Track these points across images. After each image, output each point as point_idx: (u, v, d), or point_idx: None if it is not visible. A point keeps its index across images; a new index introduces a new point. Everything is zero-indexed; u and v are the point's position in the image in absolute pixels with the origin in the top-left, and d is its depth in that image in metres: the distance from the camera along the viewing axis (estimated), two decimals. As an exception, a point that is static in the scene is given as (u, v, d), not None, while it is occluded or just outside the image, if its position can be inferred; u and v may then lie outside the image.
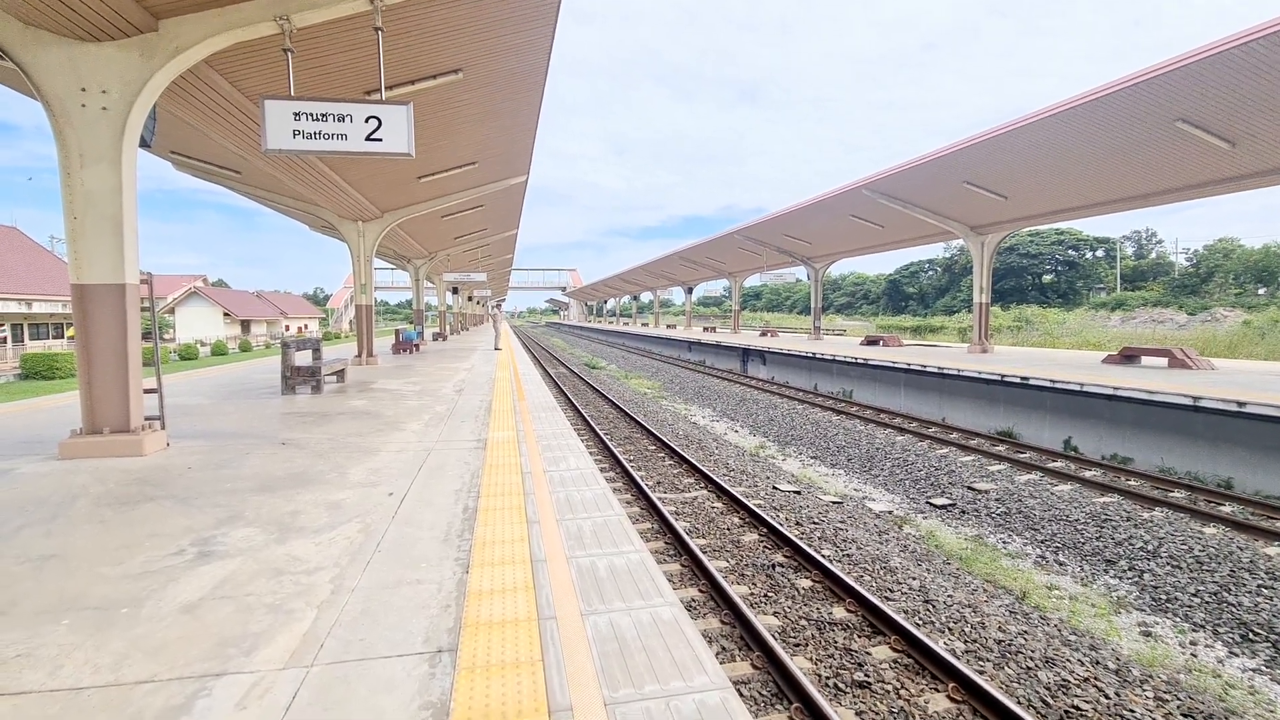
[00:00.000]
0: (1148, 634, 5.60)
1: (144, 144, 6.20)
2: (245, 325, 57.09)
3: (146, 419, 6.13)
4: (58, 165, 5.69)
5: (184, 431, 6.99)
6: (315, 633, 2.63)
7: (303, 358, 11.03)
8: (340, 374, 11.98)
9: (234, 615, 2.78)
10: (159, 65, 5.80)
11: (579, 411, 15.05)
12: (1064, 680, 4.50)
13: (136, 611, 2.82)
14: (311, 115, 5.84)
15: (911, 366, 15.86)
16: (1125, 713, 4.18)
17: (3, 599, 2.94)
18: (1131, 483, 9.42)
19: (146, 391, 6.18)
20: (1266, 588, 6.08)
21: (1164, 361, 14.14)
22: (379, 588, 3.07)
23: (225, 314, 54.37)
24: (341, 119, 5.90)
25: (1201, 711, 4.28)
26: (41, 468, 5.41)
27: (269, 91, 7.74)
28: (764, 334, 34.34)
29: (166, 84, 6.02)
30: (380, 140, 5.97)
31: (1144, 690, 4.50)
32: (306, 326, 69.62)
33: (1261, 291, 43.09)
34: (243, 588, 3.06)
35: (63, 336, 32.99)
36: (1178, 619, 5.84)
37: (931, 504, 9.10)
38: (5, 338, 28.85)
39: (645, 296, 67.31)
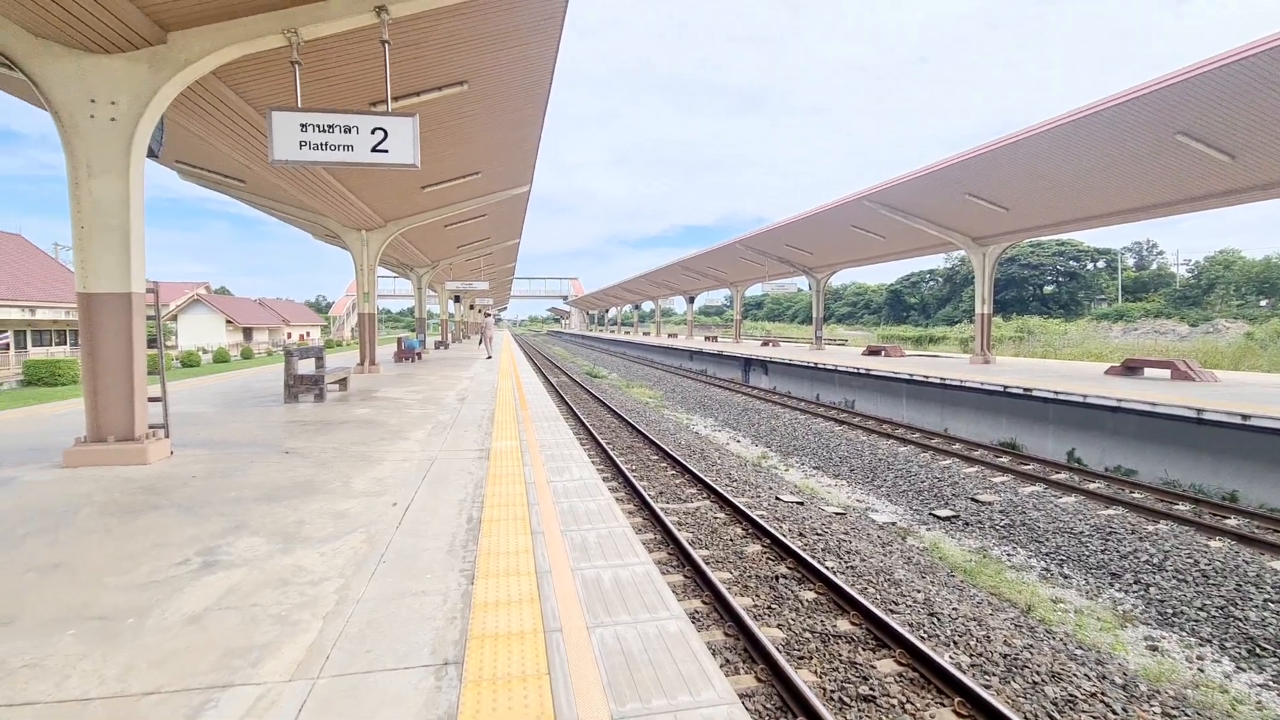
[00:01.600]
0: (1154, 648, 5.56)
1: (151, 154, 6.25)
2: (247, 333, 57.18)
3: (150, 427, 6.14)
4: (65, 174, 5.73)
5: (187, 440, 6.99)
6: (321, 644, 2.63)
7: (305, 366, 11.05)
8: (343, 382, 11.99)
9: (240, 626, 2.78)
10: (167, 77, 5.86)
11: (581, 421, 15.04)
12: (1071, 695, 4.47)
13: (142, 622, 2.82)
14: (318, 127, 5.88)
15: (914, 377, 15.86)
16: (1133, 728, 4.15)
17: (9, 608, 2.94)
18: (1136, 495, 9.39)
19: (151, 400, 6.19)
20: (1273, 602, 6.05)
21: (1167, 373, 14.12)
22: (384, 599, 3.06)
23: (228, 321, 54.46)
24: (348, 130, 5.94)
25: (1210, 727, 4.25)
26: (45, 476, 5.41)
27: (275, 102, 7.81)
28: (766, 343, 34.37)
29: (174, 96, 6.07)
30: (386, 151, 6.01)
31: (1151, 706, 4.47)
32: (308, 334, 69.72)
33: (1264, 303, 43.08)
34: (248, 598, 3.05)
35: (66, 343, 33.05)
36: (1184, 634, 5.81)
37: (935, 515, 9.07)
38: (9, 344, 28.90)
39: (647, 305, 67.41)
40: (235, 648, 2.59)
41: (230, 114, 8.00)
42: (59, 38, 5.49)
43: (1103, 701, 4.43)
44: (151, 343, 6.47)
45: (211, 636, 2.69)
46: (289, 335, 64.85)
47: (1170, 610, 6.16)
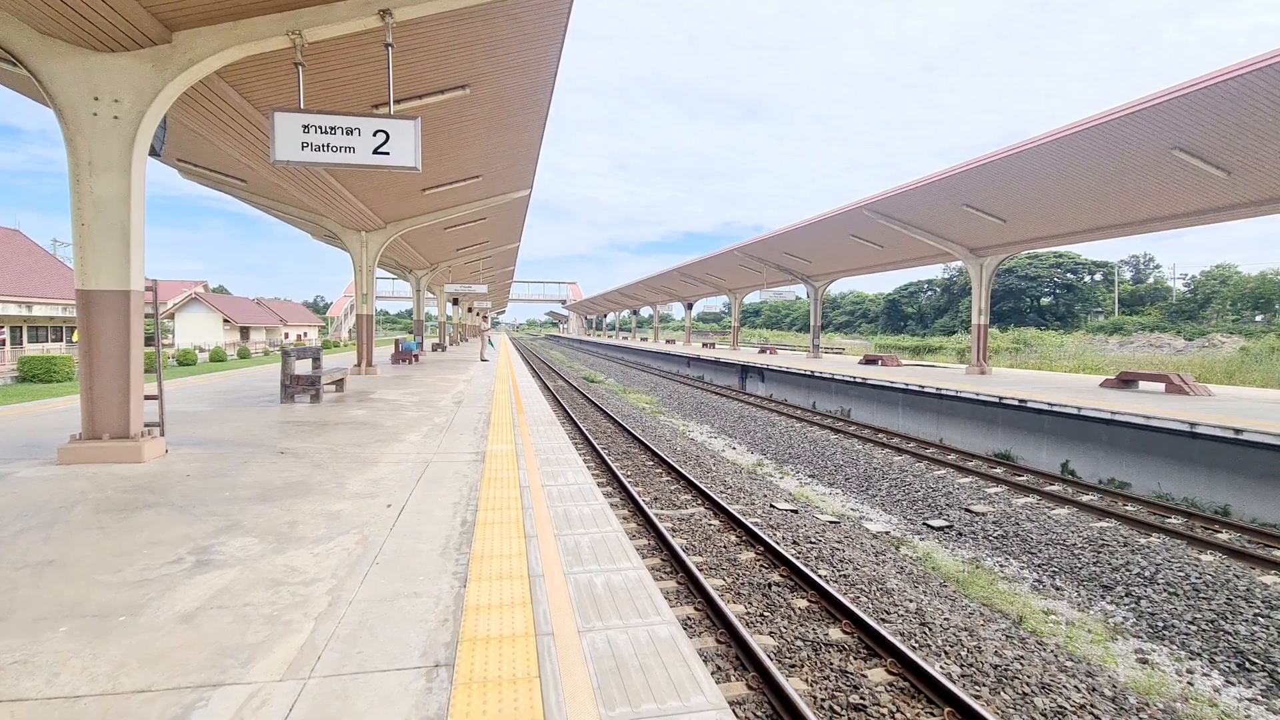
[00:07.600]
0: (1144, 661, 5.58)
1: (153, 153, 6.27)
2: (244, 332, 57.06)
3: (146, 425, 6.14)
4: (67, 171, 5.75)
5: (183, 439, 6.98)
6: (313, 645, 2.63)
7: (302, 366, 11.04)
8: (339, 383, 11.99)
9: (232, 625, 2.78)
10: (171, 76, 5.88)
11: (577, 426, 15.04)
12: (1060, 707, 4.48)
13: (134, 620, 2.82)
14: (320, 128, 5.91)
15: (910, 386, 15.90)
16: (1121, 741, 4.16)
17: (1, 605, 2.94)
18: (1129, 508, 9.42)
19: (147, 398, 6.19)
20: (1263, 616, 6.07)
21: (1161, 387, 14.18)
22: (377, 600, 3.07)
23: (225, 320, 54.36)
24: (350, 132, 5.98)
25: (1198, 741, 4.26)
26: (40, 472, 5.41)
27: (278, 103, 7.84)
28: (763, 351, 34.41)
29: (178, 95, 6.10)
30: (388, 154, 6.04)
31: (1140, 718, 4.48)
32: (306, 334, 69.60)
33: (1259, 318, 43.34)
34: (240, 598, 3.05)
35: (62, 340, 32.97)
36: (1174, 646, 5.82)
37: (929, 525, 9.08)
38: (4, 340, 28.80)
39: (645, 311, 67.48)
40: (227, 647, 2.60)
41: (233, 114, 8.02)
42: (64, 35, 5.52)
43: (1092, 713, 4.45)
44: (149, 341, 6.48)
45: (203, 635, 2.69)
46: (286, 335, 64.74)
47: (1161, 623, 6.18)
